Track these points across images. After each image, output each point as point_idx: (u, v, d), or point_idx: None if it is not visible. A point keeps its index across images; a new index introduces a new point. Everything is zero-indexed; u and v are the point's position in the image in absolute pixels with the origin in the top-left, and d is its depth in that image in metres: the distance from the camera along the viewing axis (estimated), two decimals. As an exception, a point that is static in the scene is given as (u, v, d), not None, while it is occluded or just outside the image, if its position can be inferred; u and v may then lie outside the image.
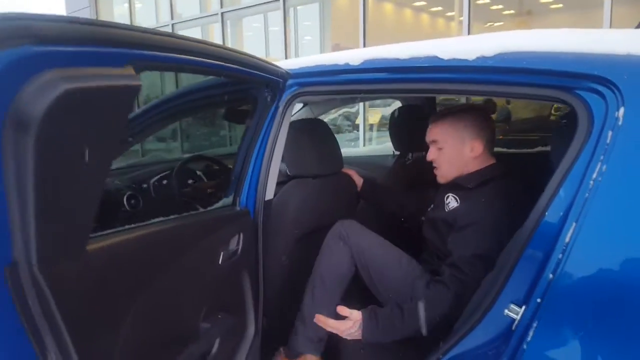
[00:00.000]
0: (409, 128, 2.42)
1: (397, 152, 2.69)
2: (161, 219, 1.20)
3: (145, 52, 0.92)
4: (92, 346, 0.94)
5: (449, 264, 1.47)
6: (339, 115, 9.23)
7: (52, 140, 0.73)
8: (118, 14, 11.92)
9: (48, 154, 0.74)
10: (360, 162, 3.16)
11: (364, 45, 6.90)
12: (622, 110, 0.99)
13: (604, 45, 1.07)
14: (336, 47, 9.37)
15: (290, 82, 1.58)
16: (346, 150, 4.26)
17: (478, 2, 6.61)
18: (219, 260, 1.39)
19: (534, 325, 1.03)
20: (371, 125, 7.79)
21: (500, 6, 7.38)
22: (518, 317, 1.08)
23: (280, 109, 1.59)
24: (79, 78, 0.74)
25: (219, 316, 1.43)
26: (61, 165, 0.78)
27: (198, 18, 9.98)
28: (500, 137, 6.50)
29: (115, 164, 2.48)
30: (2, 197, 0.73)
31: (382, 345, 1.58)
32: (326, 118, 9.10)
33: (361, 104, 7.86)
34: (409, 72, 1.34)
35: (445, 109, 1.71)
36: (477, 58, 1.20)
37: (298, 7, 8.56)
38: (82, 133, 0.79)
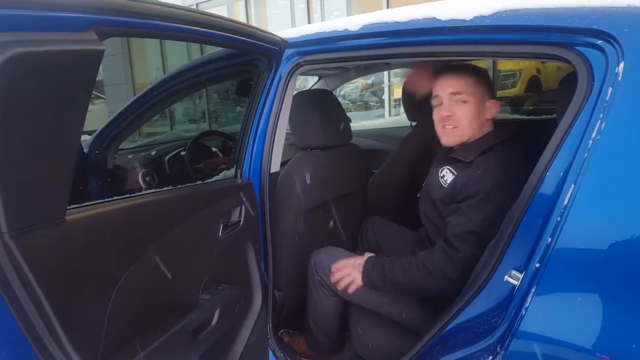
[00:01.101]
0: (420, 96, 2.36)
1: (414, 123, 2.64)
2: (153, 190, 1.22)
3: (110, 17, 0.91)
4: (77, 317, 0.96)
5: (444, 238, 1.43)
6: (367, 92, 9.14)
7: (6, 105, 0.74)
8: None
9: (2, 118, 0.75)
10: (378, 135, 3.13)
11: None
12: (622, 65, 0.94)
13: (604, -3, 1.02)
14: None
15: (291, 51, 1.56)
16: (364, 123, 4.23)
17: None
18: (218, 232, 1.41)
19: (533, 290, 1.01)
20: (397, 100, 7.67)
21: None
22: (518, 283, 1.06)
23: (283, 80, 1.58)
24: (33, 42, 0.74)
25: (220, 287, 1.45)
26: (20, 131, 0.79)
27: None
28: (531, 108, 6.30)
29: (134, 143, 2.54)
30: None
31: (388, 319, 1.62)
32: (353, 94, 9.06)
33: (386, 79, 7.75)
34: (407, 35, 1.30)
35: (462, 63, 1.59)
36: (475, 17, 1.16)
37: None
38: (43, 98, 0.79)
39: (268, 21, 9.76)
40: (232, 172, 1.58)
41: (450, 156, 1.53)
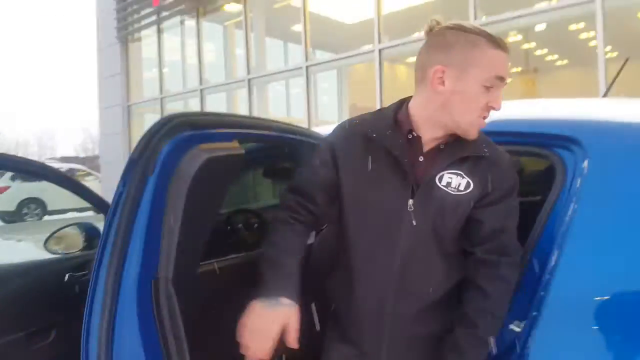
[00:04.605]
0: None
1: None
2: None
3: (242, 130, 1.34)
4: None
5: (489, 251, 1.26)
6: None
7: (198, 190, 1.14)
8: (147, 79, 12.59)
9: (193, 197, 1.14)
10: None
11: (381, 104, 7.21)
12: (586, 162, 1.29)
13: (572, 110, 1.41)
14: (353, 107, 9.96)
15: None
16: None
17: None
18: None
19: (531, 336, 1.23)
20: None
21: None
22: (519, 330, 1.31)
23: None
24: (212, 150, 1.17)
25: None
26: (201, 206, 1.17)
27: (226, 84, 10.62)
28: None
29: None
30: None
31: None
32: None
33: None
34: None
35: None
36: None
37: (318, 74, 9.11)
38: (216, 187, 1.22)
39: (268, 104, 10.32)
40: None
41: (455, 159, 1.24)
